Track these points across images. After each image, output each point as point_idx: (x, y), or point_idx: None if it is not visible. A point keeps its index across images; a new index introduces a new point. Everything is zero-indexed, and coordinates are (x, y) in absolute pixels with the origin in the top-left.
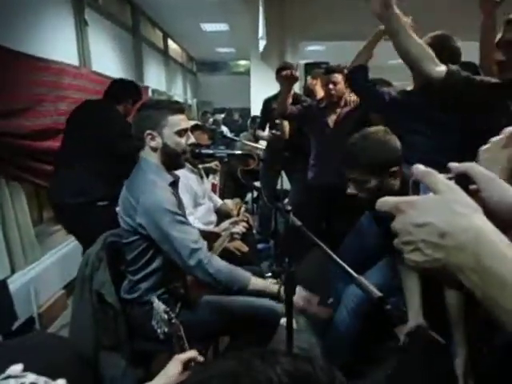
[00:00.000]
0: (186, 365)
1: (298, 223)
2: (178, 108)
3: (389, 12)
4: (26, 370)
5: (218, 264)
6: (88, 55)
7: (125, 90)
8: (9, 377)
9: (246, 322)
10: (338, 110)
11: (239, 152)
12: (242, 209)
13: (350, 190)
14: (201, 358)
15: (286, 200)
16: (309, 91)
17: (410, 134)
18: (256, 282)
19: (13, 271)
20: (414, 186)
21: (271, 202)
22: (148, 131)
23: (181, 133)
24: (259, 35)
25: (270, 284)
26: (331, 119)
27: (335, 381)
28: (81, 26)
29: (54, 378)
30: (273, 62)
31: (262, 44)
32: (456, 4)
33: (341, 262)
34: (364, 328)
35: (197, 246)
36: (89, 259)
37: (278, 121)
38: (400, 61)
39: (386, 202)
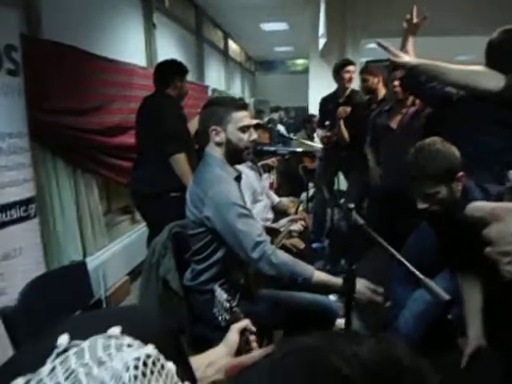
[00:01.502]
0: (242, 333)
1: (361, 221)
2: (242, 105)
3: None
4: (122, 333)
5: (282, 256)
6: (155, 56)
7: (168, 72)
8: (110, 337)
9: (302, 317)
10: (404, 111)
11: (301, 149)
12: (300, 207)
13: (421, 205)
14: (253, 328)
15: (342, 200)
16: (369, 90)
17: (482, 134)
18: (319, 275)
19: (84, 256)
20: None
21: (332, 200)
22: (213, 127)
23: (244, 129)
24: (319, 33)
25: (333, 277)
26: (395, 121)
27: (421, 367)
28: (149, 28)
29: (145, 343)
30: (332, 60)
31: (322, 42)
32: None
33: (407, 262)
34: (425, 335)
35: (261, 238)
36: (156, 247)
37: (327, 122)
38: (470, 56)
39: (480, 207)
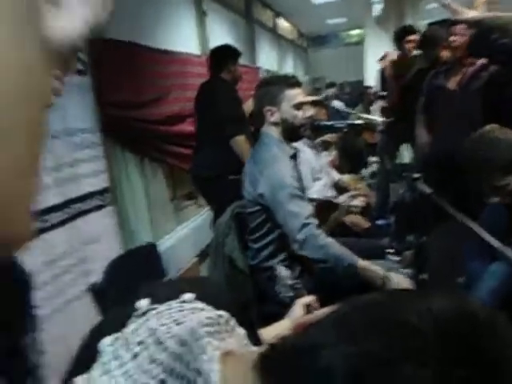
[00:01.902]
0: (308, 308)
1: (429, 190)
2: (295, 82)
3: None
4: (196, 299)
5: (328, 240)
6: (207, 43)
7: (221, 55)
8: (184, 301)
9: (367, 288)
10: (464, 70)
11: (359, 122)
12: (363, 183)
13: (492, 200)
14: (317, 305)
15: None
16: (431, 57)
17: None
18: (364, 262)
19: (155, 239)
20: None
21: (395, 172)
22: (267, 107)
23: (298, 106)
24: None
25: (377, 268)
26: (453, 81)
27: (498, 322)
28: (200, 16)
29: (217, 308)
30: (390, 27)
31: (377, 8)
32: None
33: (484, 232)
34: (503, 311)
35: (308, 220)
36: (219, 227)
37: (383, 93)
38: None
39: None
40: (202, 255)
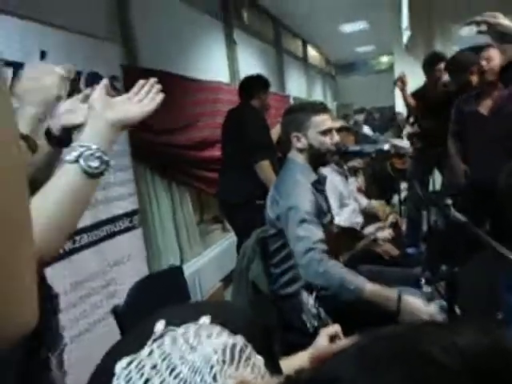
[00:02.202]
0: (333, 339)
1: (463, 219)
2: (321, 108)
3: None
4: (212, 323)
5: (331, 265)
6: (237, 71)
7: (252, 85)
8: (201, 325)
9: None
10: (495, 94)
11: (387, 147)
12: (392, 215)
13: None
14: (342, 335)
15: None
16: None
17: None
18: (373, 286)
19: (182, 262)
20: None
21: (428, 199)
22: (294, 133)
23: (325, 132)
24: (403, 26)
25: (389, 290)
26: (485, 106)
27: None
28: (231, 45)
29: (234, 334)
30: (419, 53)
31: (406, 35)
32: None
33: None
34: None
35: (314, 245)
36: (245, 252)
37: (411, 119)
38: None
39: None
40: (227, 280)
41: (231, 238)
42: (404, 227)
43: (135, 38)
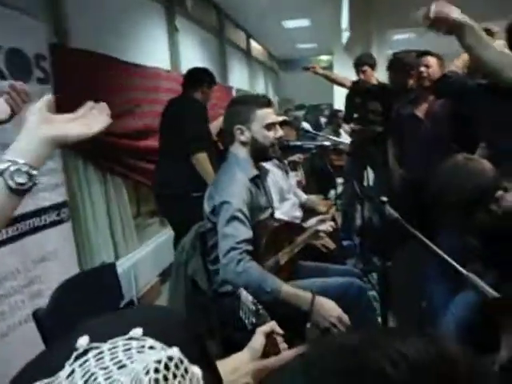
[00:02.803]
0: (269, 336)
1: (396, 215)
2: (266, 102)
3: (460, 31)
4: (144, 335)
5: (249, 265)
6: (178, 59)
7: (198, 77)
8: (131, 338)
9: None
10: (431, 98)
11: (327, 143)
12: (333, 209)
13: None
14: (280, 330)
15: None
16: (397, 85)
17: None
18: (288, 287)
19: (116, 258)
20: None
21: (364, 194)
22: (237, 126)
23: (269, 126)
24: (343, 27)
25: (303, 292)
26: (421, 109)
27: (478, 368)
28: (172, 32)
29: (169, 345)
30: (357, 54)
31: (345, 36)
32: None
33: (449, 258)
34: (468, 341)
35: (237, 245)
36: (184, 247)
37: (355, 115)
38: None
39: None
40: (165, 275)
41: (169, 232)
42: (339, 221)
43: (66, 16)
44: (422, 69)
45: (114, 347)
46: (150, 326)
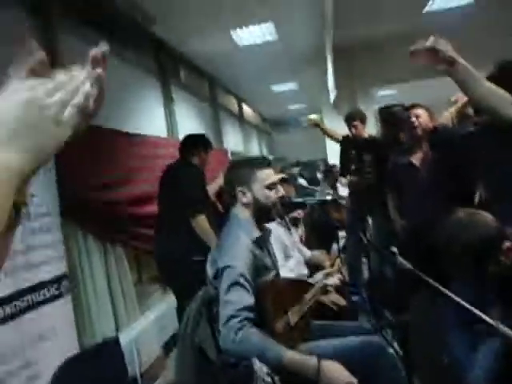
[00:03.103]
0: None
1: (408, 265)
2: (266, 163)
3: (454, 67)
4: None
5: (249, 333)
6: (175, 127)
7: (194, 143)
8: None
9: (353, 367)
10: (424, 146)
11: (329, 198)
12: (338, 260)
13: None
14: None
15: None
16: (388, 137)
17: (503, 164)
18: (292, 355)
19: (117, 330)
20: None
21: (372, 246)
22: (239, 188)
23: (270, 186)
24: (329, 87)
25: (309, 359)
26: (417, 158)
27: None
28: (168, 102)
29: None
30: (345, 110)
31: (332, 95)
32: None
33: (472, 308)
34: None
35: (237, 313)
36: (190, 315)
37: (353, 167)
38: None
39: None
40: (169, 346)
41: (172, 299)
42: (346, 276)
43: None
44: (413, 119)
45: None
46: None
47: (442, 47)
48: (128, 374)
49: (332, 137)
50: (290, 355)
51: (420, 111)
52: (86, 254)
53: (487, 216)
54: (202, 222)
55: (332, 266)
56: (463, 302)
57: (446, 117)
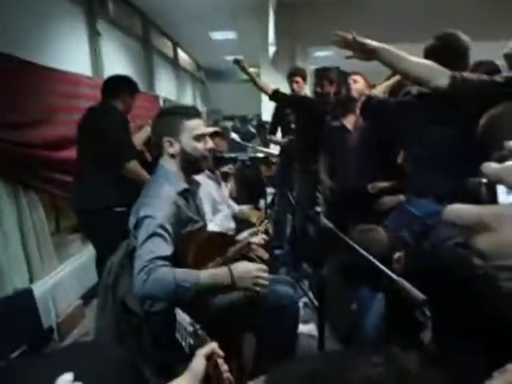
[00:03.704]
0: (210, 358)
1: (330, 225)
2: (195, 113)
3: (376, 53)
4: (76, 379)
5: (162, 270)
6: (101, 65)
7: (118, 85)
8: None
9: (264, 315)
10: (356, 111)
11: (261, 155)
12: (265, 221)
13: None
14: (221, 352)
15: None
16: (322, 96)
17: (427, 134)
18: (205, 273)
19: (31, 281)
20: (489, 191)
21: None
22: (166, 138)
23: (199, 138)
24: (269, 41)
25: (220, 269)
26: (350, 121)
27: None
28: (94, 37)
29: None
30: (283, 68)
31: (271, 50)
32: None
33: (379, 263)
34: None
35: (152, 261)
36: (112, 267)
37: (293, 125)
38: None
39: (463, 212)
40: (88, 296)
41: (92, 250)
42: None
43: None
44: (350, 81)
45: None
46: (80, 368)
47: (364, 40)
48: (42, 325)
49: (263, 90)
50: (204, 273)
51: (358, 78)
52: None
53: (381, 232)
54: (135, 167)
55: (260, 224)
56: (370, 257)
57: (379, 90)
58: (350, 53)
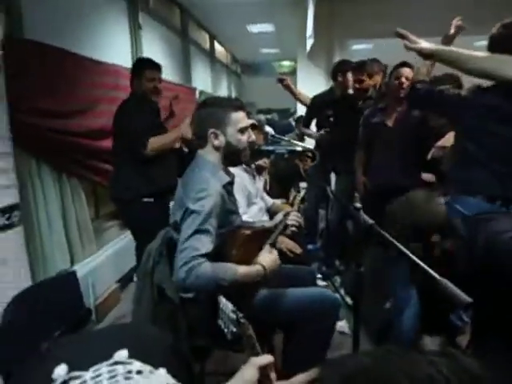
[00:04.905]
0: (263, 370)
1: (371, 221)
2: (240, 105)
3: (435, 57)
4: (129, 357)
5: (203, 267)
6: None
7: (138, 66)
8: (116, 363)
9: (303, 314)
10: (399, 108)
11: (299, 148)
12: (298, 197)
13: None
14: (274, 365)
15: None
16: (361, 90)
17: (488, 136)
18: (242, 270)
19: (72, 263)
20: None
21: (335, 200)
22: (211, 130)
23: (243, 130)
24: (307, 34)
25: (253, 266)
26: (391, 118)
27: None
28: (135, 29)
29: (155, 367)
30: (320, 61)
31: (309, 43)
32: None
33: (422, 263)
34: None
35: (196, 258)
36: (151, 253)
37: (331, 118)
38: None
39: None
40: (124, 280)
41: (130, 235)
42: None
43: (20, 8)
44: (403, 79)
45: (98, 375)
46: (135, 346)
47: (416, 46)
48: (83, 307)
49: (302, 102)
50: (241, 269)
51: (408, 72)
52: (39, 184)
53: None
54: (154, 142)
55: (292, 205)
56: (414, 258)
57: (422, 72)
58: (390, 46)
